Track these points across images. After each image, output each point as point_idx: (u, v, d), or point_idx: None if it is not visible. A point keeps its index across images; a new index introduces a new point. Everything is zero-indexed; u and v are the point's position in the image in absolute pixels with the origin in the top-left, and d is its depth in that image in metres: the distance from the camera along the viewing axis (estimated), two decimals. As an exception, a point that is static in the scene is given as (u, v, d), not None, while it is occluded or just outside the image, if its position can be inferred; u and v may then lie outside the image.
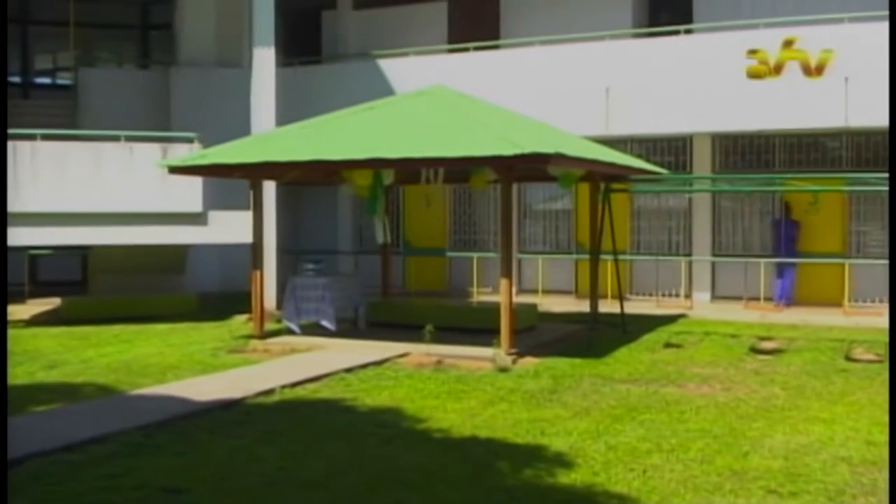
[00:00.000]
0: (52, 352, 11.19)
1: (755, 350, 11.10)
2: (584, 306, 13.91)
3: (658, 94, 15.12)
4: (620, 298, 12.88)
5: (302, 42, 19.39)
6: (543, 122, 13.39)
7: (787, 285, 14.96)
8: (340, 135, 11.30)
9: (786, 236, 15.02)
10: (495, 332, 10.39)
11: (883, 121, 12.08)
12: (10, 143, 12.97)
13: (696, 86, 14.83)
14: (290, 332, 12.15)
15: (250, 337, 11.99)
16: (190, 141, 14.08)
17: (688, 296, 15.74)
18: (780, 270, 15.04)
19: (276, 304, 13.70)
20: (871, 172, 13.81)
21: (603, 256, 12.94)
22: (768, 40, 14.40)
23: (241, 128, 14.23)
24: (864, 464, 6.35)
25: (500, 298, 10.59)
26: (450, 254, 17.84)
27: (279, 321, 12.81)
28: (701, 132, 15.55)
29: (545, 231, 17.45)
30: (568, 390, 8.78)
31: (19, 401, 7.96)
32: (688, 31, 15.48)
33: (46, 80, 20.87)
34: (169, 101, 17.98)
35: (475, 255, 16.93)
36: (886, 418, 7.23)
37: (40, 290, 16.01)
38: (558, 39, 16.15)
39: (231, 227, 13.87)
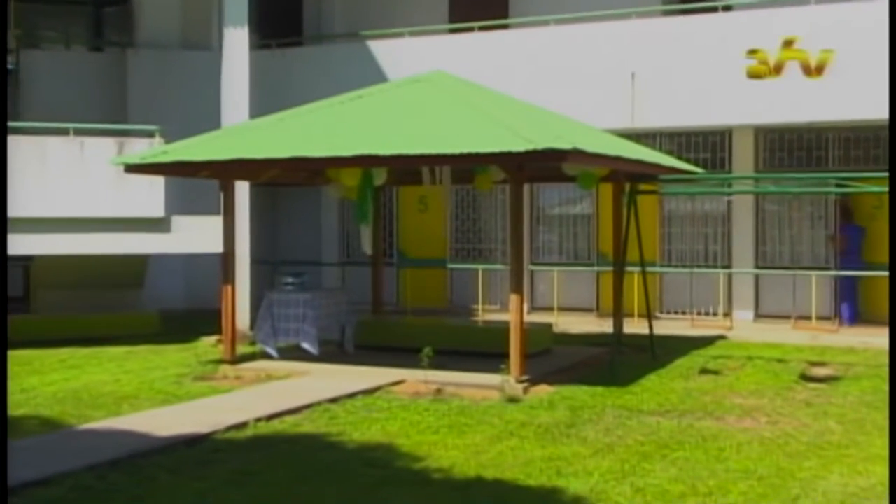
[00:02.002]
0: (-10, 379, 11.18)
1: (806, 377, 11.08)
2: (606, 326, 13.90)
3: (692, 80, 15.15)
4: (649, 317, 12.87)
5: (280, 21, 19.43)
6: (559, 113, 13.41)
7: (851, 303, 14.95)
8: (325, 128, 11.30)
9: (846, 244, 15.03)
10: (504, 356, 10.38)
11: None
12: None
13: (735, 71, 14.86)
14: (266, 356, 12.14)
15: (220, 362, 11.98)
16: (150, 135, 14.09)
17: (727, 314, 15.73)
18: (844, 287, 15.01)
19: (249, 323, 13.70)
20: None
21: (628, 269, 12.94)
22: (818, 18, 14.43)
23: (210, 120, 14.24)
24: (934, 510, 6.32)
25: (509, 317, 10.59)
26: (451, 266, 17.84)
27: (253, 344, 12.79)
28: (742, 125, 15.57)
29: (561, 239, 17.45)
30: (588, 424, 8.77)
31: (-49, 436, 7.94)
32: (726, 8, 15.51)
33: (-17, 65, 20.93)
34: (125, 88, 18.01)
35: (480, 267, 16.93)
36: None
37: (-25, 308, 16.00)
38: (576, 18, 16.19)
39: (198, 235, 13.86)
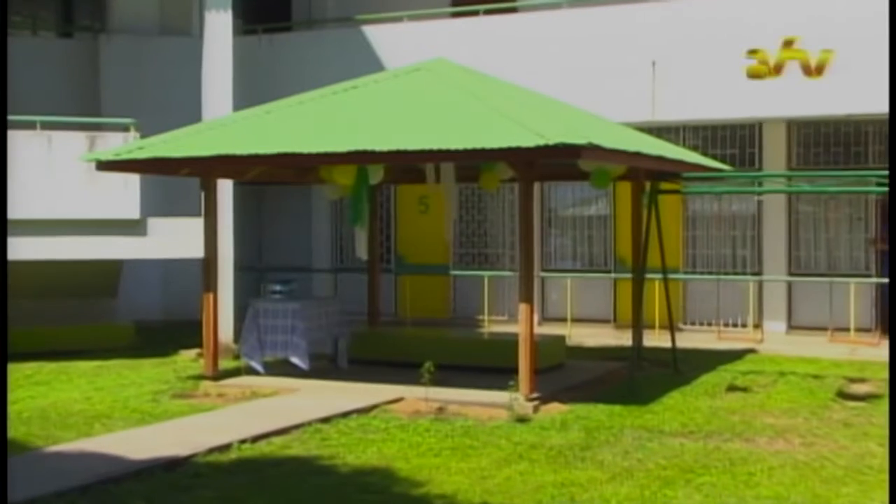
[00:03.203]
0: (-51, 397, 11.19)
1: (844, 395, 11.07)
2: (625, 339, 13.88)
3: (718, 69, 15.15)
4: (671, 329, 12.87)
5: (267, 4, 19.46)
6: (572, 105, 13.42)
7: None
8: (316, 121, 11.31)
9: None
10: (512, 371, 10.38)
11: None
12: None
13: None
14: (251, 371, 12.14)
15: (201, 378, 11.99)
16: (125, 129, 14.11)
17: (757, 326, 15.72)
18: None
19: (233, 336, 13.70)
20: None
21: (649, 276, 12.93)
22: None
23: (191, 112, 14.27)
24: (985, 540, 6.32)
25: (518, 329, 10.59)
26: (454, 272, 17.83)
27: (237, 358, 12.79)
28: (773, 117, 15.57)
29: (575, 243, 17.45)
30: (605, 446, 8.77)
31: None
32: (756, -10, 15.54)
33: (-60, 52, 20.94)
34: (98, 78, 18.03)
35: (486, 273, 16.92)
36: None
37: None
38: (591, 0, 16.20)
39: (176, 239, 13.87)
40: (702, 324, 16.13)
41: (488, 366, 11.62)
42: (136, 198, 13.91)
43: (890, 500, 5.63)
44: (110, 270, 15.37)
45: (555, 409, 10.24)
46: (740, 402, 10.67)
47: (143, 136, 13.22)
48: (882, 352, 13.90)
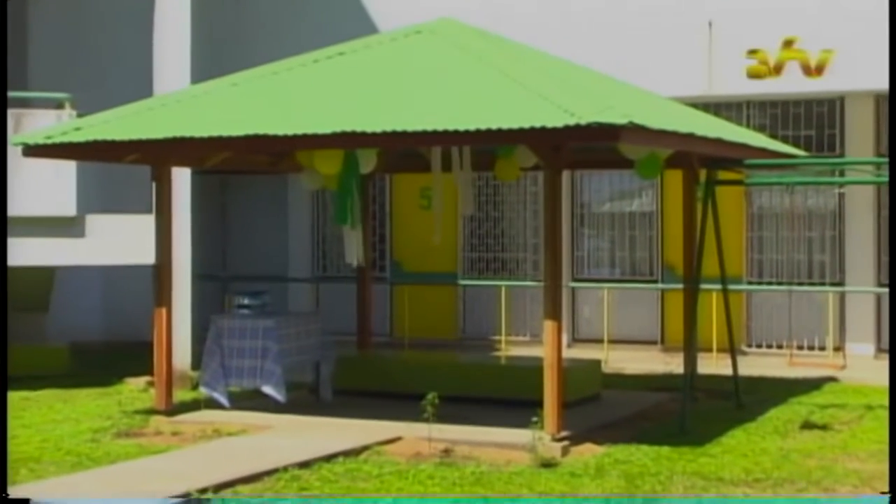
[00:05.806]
0: None
1: (946, 434, 11.06)
2: (674, 364, 13.87)
3: (790, 29, 15.14)
4: (732, 352, 12.85)
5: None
6: (609, 75, 13.42)
7: None
8: (294, 96, 11.32)
9: None
10: (535, 404, 10.38)
11: None
12: None
13: (850, 14, 14.86)
14: (213, 404, 12.15)
15: (151, 412, 11.99)
16: (58, 105, 14.13)
17: (838, 348, 15.69)
18: None
19: (191, 361, 13.71)
20: None
21: (704, 286, 12.92)
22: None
23: (139, 85, 14.28)
24: None
25: (542, 352, 10.59)
26: (463, 282, 17.82)
27: (196, 388, 12.79)
28: (858, 91, 15.54)
29: (613, 247, 17.44)
30: (651, 496, 8.76)
31: None
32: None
33: None
34: (25, 42, 18.05)
35: (503, 283, 16.91)
36: None
37: None
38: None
39: (121, 241, 13.87)
40: (770, 346, 16.12)
41: (506, 398, 11.63)
42: (72, 190, 13.91)
43: (890, 500, 5.95)
44: (40, 280, 15.38)
45: (588, 451, 10.23)
46: (817, 443, 10.65)
47: (80, 115, 13.23)
48: None
